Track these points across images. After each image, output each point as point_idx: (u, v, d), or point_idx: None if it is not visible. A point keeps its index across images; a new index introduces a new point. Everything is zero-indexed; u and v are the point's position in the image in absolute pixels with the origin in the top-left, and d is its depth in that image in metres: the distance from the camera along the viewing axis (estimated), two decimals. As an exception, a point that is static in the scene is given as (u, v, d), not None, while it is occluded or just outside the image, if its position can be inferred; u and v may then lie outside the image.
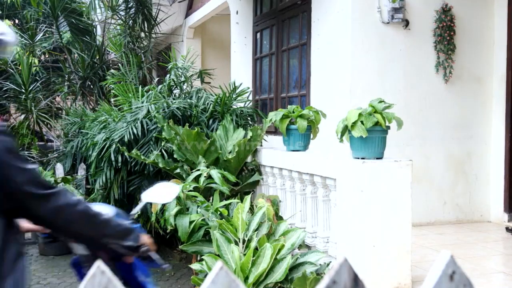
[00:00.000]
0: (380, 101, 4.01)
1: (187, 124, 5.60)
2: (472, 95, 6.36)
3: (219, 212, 4.31)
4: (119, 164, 5.79)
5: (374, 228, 3.79)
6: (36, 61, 10.18)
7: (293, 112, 4.99)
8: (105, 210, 2.07)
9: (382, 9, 6.03)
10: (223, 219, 4.06)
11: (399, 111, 4.50)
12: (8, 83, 9.20)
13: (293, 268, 3.75)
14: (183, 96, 6.52)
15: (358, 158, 3.93)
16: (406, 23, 6.10)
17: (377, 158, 3.93)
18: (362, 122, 3.86)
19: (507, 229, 5.86)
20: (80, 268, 2.14)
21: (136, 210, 2.40)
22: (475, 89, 6.37)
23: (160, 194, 2.48)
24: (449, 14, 6.16)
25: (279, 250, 3.70)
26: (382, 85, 6.02)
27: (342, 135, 4.05)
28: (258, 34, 8.75)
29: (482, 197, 6.40)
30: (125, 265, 2.11)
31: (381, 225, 3.80)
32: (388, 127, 3.96)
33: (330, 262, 4.05)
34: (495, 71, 6.36)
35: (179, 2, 10.97)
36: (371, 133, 3.87)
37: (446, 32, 6.15)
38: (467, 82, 6.34)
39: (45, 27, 10.24)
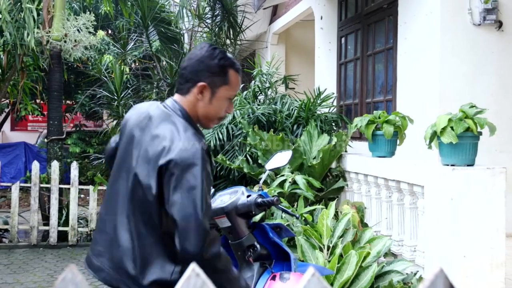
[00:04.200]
0: (471, 106, 3.86)
1: (271, 129, 5.63)
2: None
3: (303, 218, 4.31)
4: (205, 169, 5.90)
5: (464, 238, 3.65)
6: (127, 69, 10.63)
7: (379, 117, 4.90)
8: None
9: (473, 10, 5.81)
10: (308, 225, 4.05)
11: (492, 116, 4.31)
12: (101, 91, 9.65)
13: (378, 277, 3.68)
14: (268, 102, 6.57)
15: (448, 165, 3.80)
16: (499, 24, 5.84)
17: (468, 165, 3.78)
18: (452, 127, 3.73)
19: None
20: (228, 248, 2.61)
21: (263, 179, 2.91)
22: None
23: (277, 161, 2.93)
24: (547, 14, 5.85)
25: (365, 257, 3.64)
26: (473, 90, 5.79)
27: (430, 141, 3.93)
28: (343, 39, 8.67)
29: None
30: (259, 232, 2.62)
31: (472, 235, 3.65)
32: (480, 133, 3.80)
33: (418, 271, 3.94)
34: None
35: (264, 9, 11.09)
36: (462, 139, 3.73)
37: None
38: None
39: (136, 36, 10.67)
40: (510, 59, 5.91)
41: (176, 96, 2.08)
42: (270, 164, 2.93)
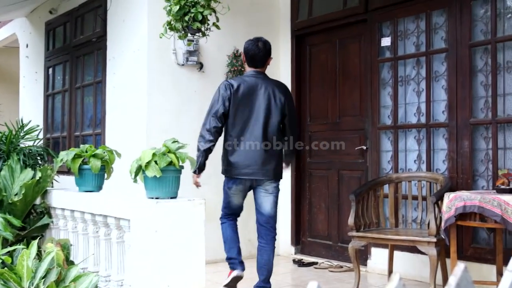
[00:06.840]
0: (174, 141, 4.06)
1: (-35, 164, 5.09)
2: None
3: (1, 261, 3.95)
4: None
5: (168, 268, 3.78)
6: None
7: (86, 151, 4.81)
8: None
9: (178, 51, 6.18)
10: (6, 268, 3.72)
11: (194, 151, 4.60)
12: None
13: (84, 316, 3.56)
14: (-38, 133, 5.93)
15: (153, 198, 3.91)
16: (200, 65, 6.32)
17: (171, 198, 3.95)
18: (156, 162, 3.86)
19: (294, 261, 6.28)
20: None
21: None
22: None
23: None
24: (240, 59, 6.53)
25: (69, 297, 3.49)
26: (178, 125, 6.11)
27: (136, 175, 4.00)
28: (50, 70, 8.36)
29: (272, 231, 6.76)
30: None
31: (176, 265, 3.81)
32: (182, 167, 4.01)
33: (124, 306, 3.93)
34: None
35: (-40, 30, 10.07)
36: (165, 173, 3.88)
37: (237, 75, 6.49)
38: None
39: None
40: (210, 97, 6.40)
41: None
42: None
